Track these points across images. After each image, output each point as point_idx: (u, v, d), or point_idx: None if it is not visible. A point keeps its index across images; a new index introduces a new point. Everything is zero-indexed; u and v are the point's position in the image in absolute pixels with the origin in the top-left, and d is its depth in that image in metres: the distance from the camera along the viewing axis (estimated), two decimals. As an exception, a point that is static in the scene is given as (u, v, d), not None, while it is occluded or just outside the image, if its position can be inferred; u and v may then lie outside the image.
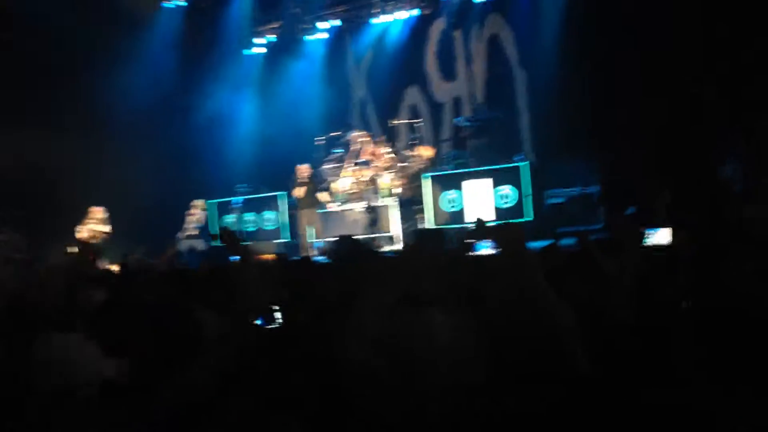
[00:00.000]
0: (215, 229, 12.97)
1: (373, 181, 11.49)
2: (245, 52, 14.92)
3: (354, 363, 2.08)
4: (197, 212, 12.31)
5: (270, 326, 2.52)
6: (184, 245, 11.74)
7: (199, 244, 11.93)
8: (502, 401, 1.83)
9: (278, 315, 3.29)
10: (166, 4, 13.88)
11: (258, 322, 2.52)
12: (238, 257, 2.90)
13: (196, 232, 12.14)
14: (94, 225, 10.98)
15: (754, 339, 1.62)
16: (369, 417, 1.91)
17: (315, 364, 2.15)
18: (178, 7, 13.97)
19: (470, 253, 3.27)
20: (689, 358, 1.69)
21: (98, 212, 11.04)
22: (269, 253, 9.00)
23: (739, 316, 1.66)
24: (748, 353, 1.61)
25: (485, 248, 3.29)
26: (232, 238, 3.03)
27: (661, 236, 3.20)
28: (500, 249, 2.25)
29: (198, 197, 12.73)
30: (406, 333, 1.90)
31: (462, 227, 10.37)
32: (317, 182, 11.83)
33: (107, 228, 11.08)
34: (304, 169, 11.70)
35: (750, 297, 1.74)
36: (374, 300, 2.24)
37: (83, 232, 10.93)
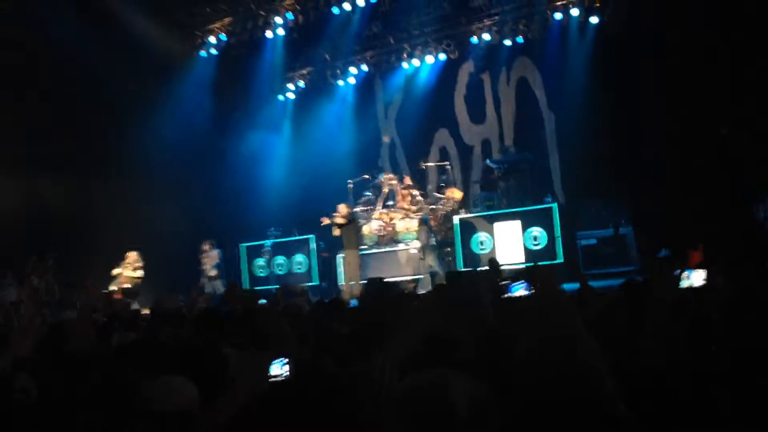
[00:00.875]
0: (246, 272, 13.08)
1: (402, 223, 11.50)
2: (278, 97, 15.17)
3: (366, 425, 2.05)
4: (209, 253, 12.39)
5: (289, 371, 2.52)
6: (207, 287, 11.79)
7: (219, 286, 11.97)
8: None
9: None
10: (202, 53, 14.26)
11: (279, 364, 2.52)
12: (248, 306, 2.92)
13: (214, 273, 12.20)
14: (130, 269, 11.17)
15: None
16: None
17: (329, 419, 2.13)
18: (212, 55, 14.33)
19: (504, 295, 3.25)
20: (721, 399, 1.66)
21: (133, 256, 11.24)
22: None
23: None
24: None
25: (519, 290, 3.26)
26: (237, 296, 3.07)
27: (696, 278, 3.15)
28: (534, 290, 2.23)
29: (231, 240, 12.92)
30: (419, 396, 1.84)
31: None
32: (355, 222, 11.46)
33: (141, 272, 11.25)
34: (343, 208, 11.29)
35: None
36: (397, 348, 2.23)
37: (119, 276, 11.13)
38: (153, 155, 12.20)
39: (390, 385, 2.43)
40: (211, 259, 12.31)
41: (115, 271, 11.18)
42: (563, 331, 2.09)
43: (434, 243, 10.94)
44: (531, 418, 1.87)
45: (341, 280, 11.62)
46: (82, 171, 11.38)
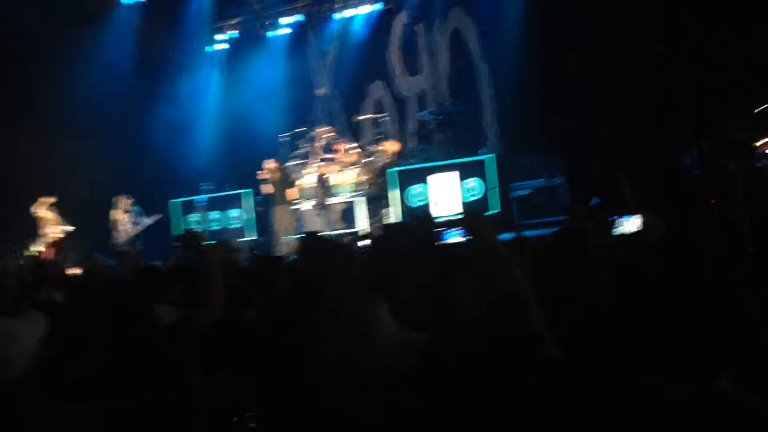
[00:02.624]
0: (180, 230, 12.78)
1: (338, 176, 11.43)
2: (207, 48, 14.73)
3: (321, 357, 2.05)
4: (125, 209, 11.33)
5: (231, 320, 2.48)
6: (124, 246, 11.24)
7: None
8: (471, 390, 1.81)
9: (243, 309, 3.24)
10: (124, 1, 13.60)
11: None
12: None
13: (130, 228, 11.30)
14: (53, 227, 10.66)
15: (715, 320, 1.63)
16: (335, 413, 1.88)
17: (278, 357, 2.11)
18: (137, 3, 13.69)
19: (439, 243, 3.26)
20: (651, 340, 1.69)
21: (49, 201, 10.62)
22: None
23: (702, 296, 1.67)
24: (706, 334, 1.62)
25: (454, 237, 3.28)
26: (193, 242, 2.99)
27: (631, 224, 3.22)
28: (471, 237, 2.24)
29: (162, 196, 12.55)
30: (372, 327, 1.88)
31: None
32: (285, 177, 11.49)
33: (69, 227, 10.78)
34: (271, 164, 11.28)
35: (713, 279, 1.74)
36: (341, 293, 2.21)
37: (45, 232, 10.65)
38: (74, 109, 11.67)
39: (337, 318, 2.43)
40: (127, 216, 11.33)
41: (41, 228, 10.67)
42: (498, 276, 2.11)
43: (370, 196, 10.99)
44: (466, 358, 1.91)
45: (276, 235, 11.56)
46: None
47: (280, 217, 11.24)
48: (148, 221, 11.35)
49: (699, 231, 3.10)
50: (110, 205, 11.27)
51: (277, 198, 11.28)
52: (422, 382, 1.91)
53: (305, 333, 2.24)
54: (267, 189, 11.37)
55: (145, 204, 11.77)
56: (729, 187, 7.73)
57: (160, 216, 11.69)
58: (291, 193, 11.34)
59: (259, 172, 11.38)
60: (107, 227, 11.21)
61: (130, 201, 11.33)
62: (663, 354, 1.65)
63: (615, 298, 2.22)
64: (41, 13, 11.10)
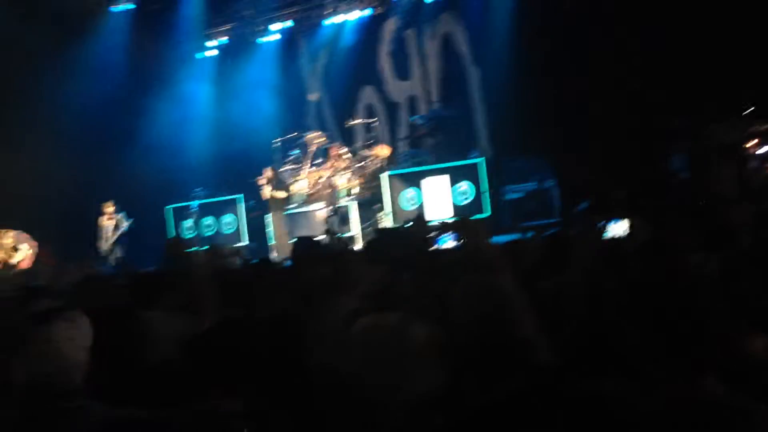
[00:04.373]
0: (174, 235, 12.78)
1: (330, 181, 11.45)
2: (197, 55, 14.74)
3: (318, 368, 2.08)
4: (109, 215, 11.28)
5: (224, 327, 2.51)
6: (108, 253, 11.16)
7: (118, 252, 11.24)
8: (465, 397, 1.84)
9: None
10: (113, 8, 13.59)
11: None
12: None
13: (114, 238, 11.25)
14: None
15: (693, 325, 1.65)
16: (331, 423, 1.91)
17: (274, 368, 2.13)
18: (127, 10, 13.67)
19: (432, 248, 3.30)
20: (631, 347, 1.73)
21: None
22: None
23: (684, 298, 1.70)
24: (690, 336, 1.65)
25: (447, 242, 3.32)
26: (177, 250, 3.01)
27: (619, 228, 3.27)
28: (463, 242, 2.28)
29: (154, 203, 12.52)
30: (369, 338, 1.91)
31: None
32: (279, 183, 11.62)
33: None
34: (268, 171, 11.50)
35: (694, 285, 1.77)
36: (338, 303, 2.24)
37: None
38: (65, 118, 11.63)
39: (334, 329, 2.45)
40: (113, 221, 11.30)
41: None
42: (489, 281, 2.15)
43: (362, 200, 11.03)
44: (459, 364, 1.94)
45: (271, 240, 11.58)
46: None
47: (275, 223, 11.37)
48: (124, 227, 11.29)
49: (686, 234, 3.14)
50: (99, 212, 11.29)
51: (272, 203, 11.40)
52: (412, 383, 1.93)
53: (301, 338, 2.28)
54: (265, 195, 11.51)
55: (140, 210, 11.78)
56: (720, 189, 7.82)
57: (131, 221, 11.52)
58: (278, 195, 11.43)
59: (258, 177, 11.53)
60: (96, 234, 11.22)
61: (113, 207, 11.29)
62: (648, 357, 1.68)
63: (601, 303, 2.26)
64: (27, 20, 11.06)
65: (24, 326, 2.17)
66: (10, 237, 10.14)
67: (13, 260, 10.06)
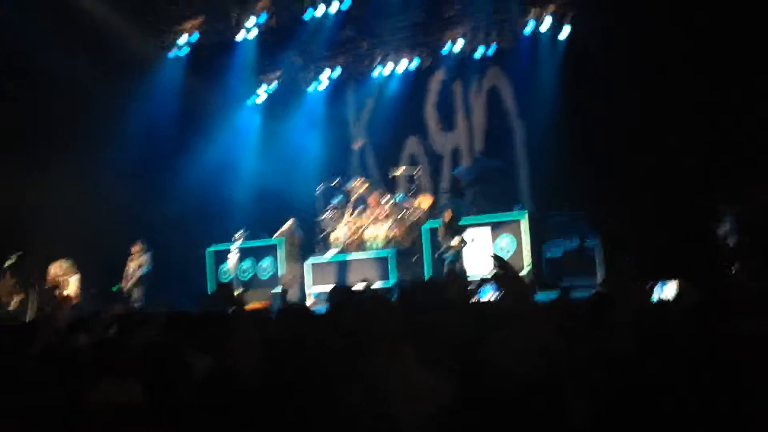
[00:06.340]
0: (212, 279, 12.81)
1: (371, 229, 11.49)
2: (248, 102, 15.03)
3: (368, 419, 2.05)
4: (139, 255, 11.32)
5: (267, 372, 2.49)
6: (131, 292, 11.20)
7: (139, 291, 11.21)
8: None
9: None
10: (170, 55, 14.00)
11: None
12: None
13: (137, 277, 11.26)
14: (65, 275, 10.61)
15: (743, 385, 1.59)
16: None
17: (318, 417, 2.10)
18: (181, 58, 14.05)
19: (473, 300, 3.25)
20: (684, 409, 1.66)
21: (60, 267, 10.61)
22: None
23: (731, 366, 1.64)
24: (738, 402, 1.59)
25: (487, 294, 3.27)
26: (227, 295, 3.02)
27: (668, 290, 3.18)
28: (505, 296, 2.24)
29: (198, 245, 12.66)
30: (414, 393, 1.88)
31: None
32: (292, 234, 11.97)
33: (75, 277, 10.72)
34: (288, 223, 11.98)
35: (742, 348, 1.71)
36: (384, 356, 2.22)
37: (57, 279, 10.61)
38: (117, 159, 11.92)
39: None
40: (138, 262, 11.28)
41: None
42: (530, 336, 2.10)
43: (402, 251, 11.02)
44: (493, 417, 1.89)
45: (307, 287, 11.61)
46: (41, 171, 11.07)
47: (287, 271, 11.67)
48: (145, 268, 11.31)
49: (736, 298, 3.04)
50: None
51: (287, 254, 11.82)
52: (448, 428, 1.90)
53: (336, 389, 2.24)
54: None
55: (182, 251, 11.91)
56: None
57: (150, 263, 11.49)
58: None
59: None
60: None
61: (139, 247, 11.34)
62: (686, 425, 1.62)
63: (641, 366, 2.19)
64: (88, 65, 11.46)
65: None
66: (64, 268, 10.47)
67: (66, 291, 10.38)
